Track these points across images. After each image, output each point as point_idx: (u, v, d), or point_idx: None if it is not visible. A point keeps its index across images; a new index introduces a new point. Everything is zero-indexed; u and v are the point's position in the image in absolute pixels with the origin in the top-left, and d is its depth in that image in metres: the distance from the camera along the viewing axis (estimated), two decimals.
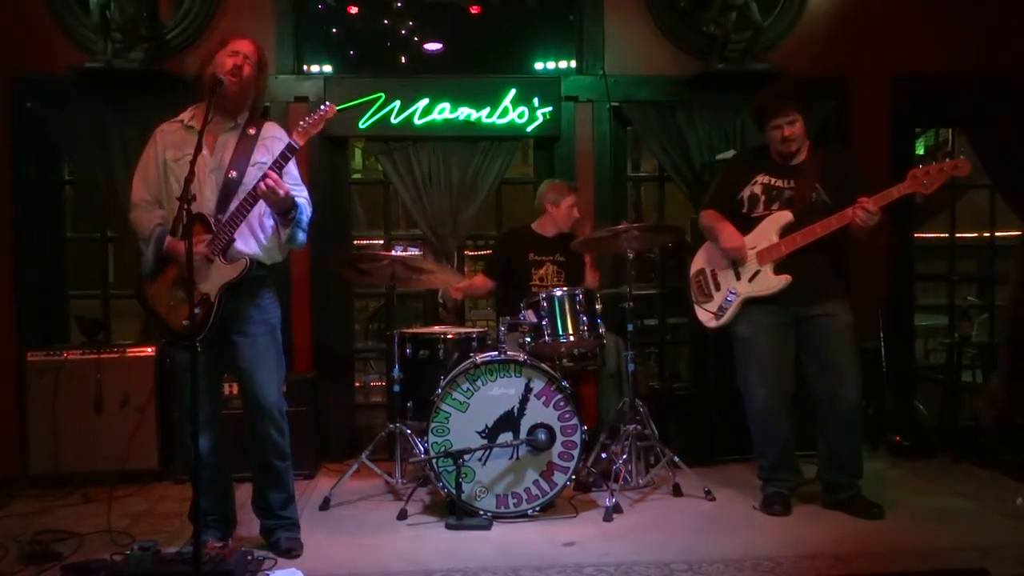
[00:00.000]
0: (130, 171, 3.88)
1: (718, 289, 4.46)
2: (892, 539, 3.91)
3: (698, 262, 4.60)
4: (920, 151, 7.90)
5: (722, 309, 4.41)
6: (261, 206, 3.67)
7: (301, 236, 3.82)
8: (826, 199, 4.25)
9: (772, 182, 4.35)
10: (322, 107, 3.72)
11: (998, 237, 6.32)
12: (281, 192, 3.57)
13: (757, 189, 4.37)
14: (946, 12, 5.86)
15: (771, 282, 4.28)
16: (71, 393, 5.05)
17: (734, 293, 4.38)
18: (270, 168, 3.58)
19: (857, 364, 4.32)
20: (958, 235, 6.32)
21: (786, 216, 4.26)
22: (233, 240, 3.63)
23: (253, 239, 3.73)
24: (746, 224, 4.36)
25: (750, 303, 4.35)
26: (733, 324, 4.42)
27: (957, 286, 6.37)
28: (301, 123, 3.70)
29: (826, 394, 4.30)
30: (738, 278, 4.38)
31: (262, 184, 3.53)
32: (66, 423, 5.02)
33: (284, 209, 3.67)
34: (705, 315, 4.50)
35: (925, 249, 6.49)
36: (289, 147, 3.63)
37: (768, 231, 4.29)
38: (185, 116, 3.79)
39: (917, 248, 6.16)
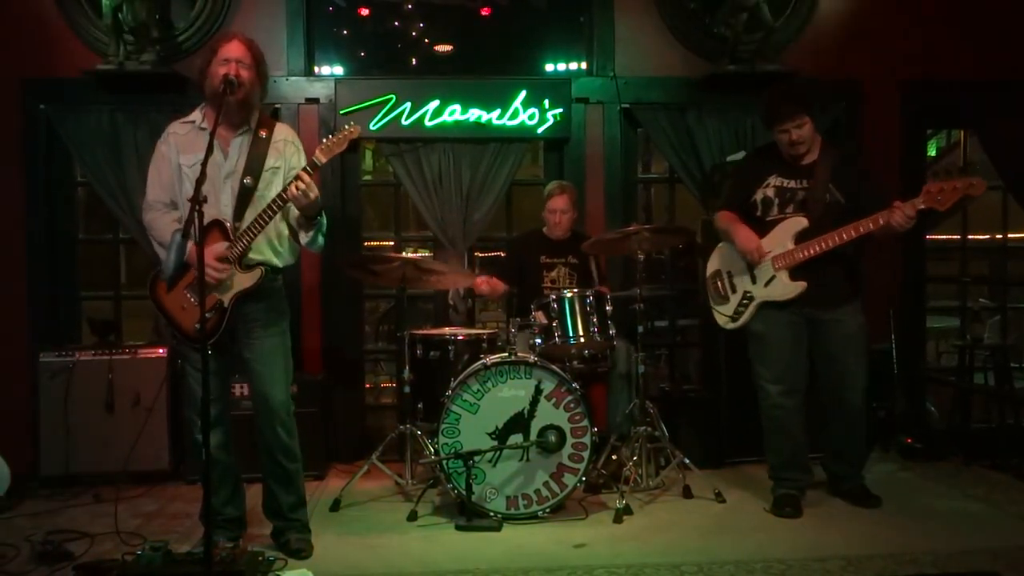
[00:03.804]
0: (142, 172, 3.89)
1: (734, 291, 4.47)
2: (903, 542, 3.90)
3: (714, 263, 4.60)
4: (932, 153, 7.87)
5: (738, 312, 4.41)
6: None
7: (321, 240, 3.82)
8: (840, 199, 4.25)
9: (785, 184, 4.35)
10: (347, 127, 3.71)
11: (1010, 239, 6.30)
12: (312, 195, 3.56)
13: (770, 192, 4.36)
14: (956, 14, 5.84)
15: (787, 288, 4.28)
16: (83, 393, 5.07)
17: (750, 297, 4.37)
18: (291, 184, 3.56)
19: (865, 369, 4.37)
20: (970, 237, 6.30)
21: (801, 222, 4.25)
22: (250, 248, 3.64)
23: (267, 246, 3.74)
24: (761, 227, 4.36)
25: (765, 303, 4.35)
26: (748, 321, 4.43)
27: (969, 288, 6.35)
28: (324, 141, 3.68)
29: (833, 396, 4.39)
30: (754, 281, 4.38)
31: (293, 187, 3.52)
32: (77, 423, 5.04)
33: (312, 213, 3.67)
34: (721, 318, 4.52)
35: (937, 251, 6.47)
36: (311, 164, 3.61)
37: (783, 236, 4.29)
38: (196, 117, 3.78)
39: (929, 250, 6.14)
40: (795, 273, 4.27)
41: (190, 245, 3.55)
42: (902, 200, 4.05)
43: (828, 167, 4.29)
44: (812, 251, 4.20)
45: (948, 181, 4.01)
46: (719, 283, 4.55)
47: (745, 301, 4.40)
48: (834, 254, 4.21)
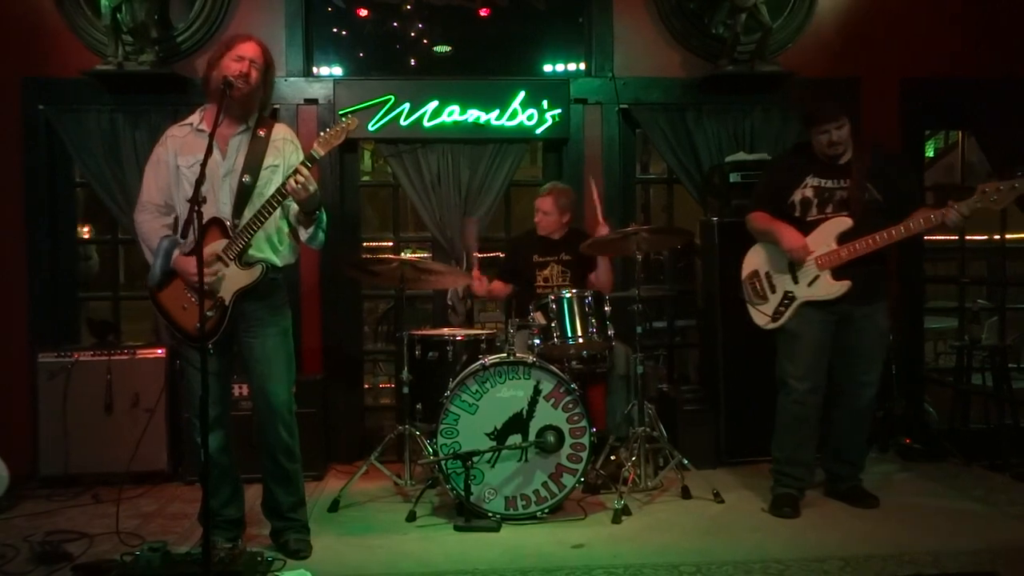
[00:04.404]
0: (142, 173, 3.88)
1: (773, 291, 4.44)
2: (902, 542, 3.90)
3: (751, 264, 4.56)
4: (930, 153, 7.87)
5: (778, 312, 4.40)
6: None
7: (322, 236, 3.84)
8: (877, 197, 4.26)
9: (823, 183, 4.34)
10: (344, 120, 3.72)
11: (1008, 240, 6.30)
12: (312, 188, 3.57)
13: (808, 192, 4.35)
14: (956, 14, 5.85)
15: (831, 288, 4.27)
16: (81, 394, 5.07)
17: (791, 296, 4.37)
18: (289, 178, 3.57)
19: (881, 366, 4.45)
20: (968, 238, 6.29)
21: (846, 222, 4.24)
22: (249, 245, 3.64)
23: (267, 243, 3.74)
24: (800, 228, 4.34)
25: (804, 302, 4.35)
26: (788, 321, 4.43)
27: (967, 288, 6.35)
28: (322, 134, 3.70)
29: (847, 389, 4.42)
30: (795, 282, 4.37)
31: (292, 181, 3.52)
32: (76, 424, 5.04)
33: (311, 207, 3.68)
34: (762, 318, 4.48)
35: (935, 251, 6.47)
36: (309, 157, 3.62)
37: (826, 236, 4.28)
38: (195, 119, 3.79)
39: (927, 250, 6.14)
40: (836, 272, 4.27)
41: (176, 253, 3.60)
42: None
43: (865, 166, 4.29)
44: (859, 250, 4.20)
45: (1005, 181, 3.99)
46: (757, 283, 4.51)
47: (786, 301, 4.38)
48: (873, 251, 4.22)
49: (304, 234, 3.79)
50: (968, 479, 4.96)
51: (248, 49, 3.69)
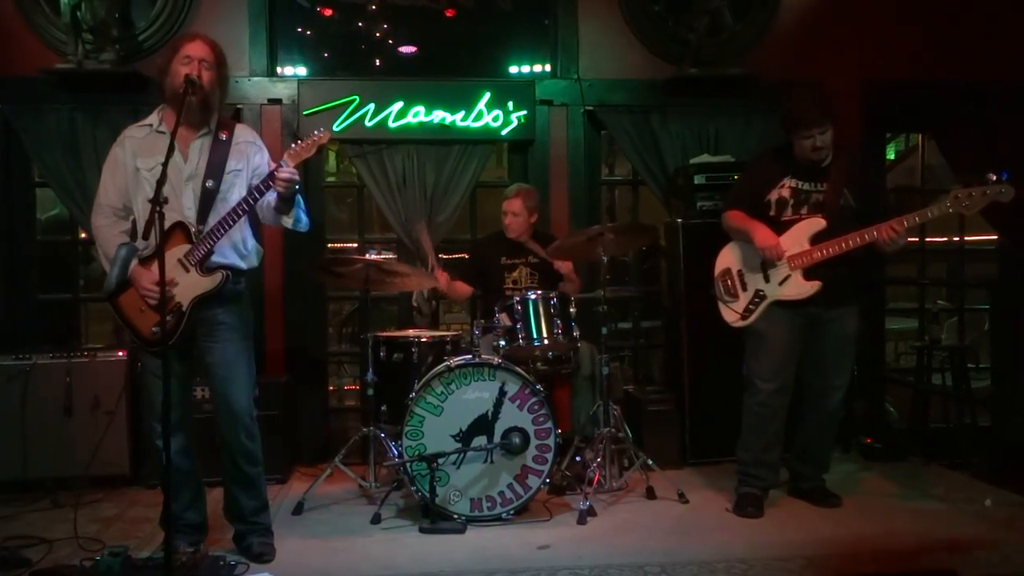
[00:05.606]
0: (101, 173, 3.82)
1: (744, 289, 4.46)
2: (863, 541, 3.94)
3: (723, 261, 4.57)
4: (890, 156, 7.95)
5: (748, 310, 4.42)
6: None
7: (305, 217, 3.81)
8: (851, 203, 4.30)
9: (800, 185, 4.36)
10: (316, 132, 3.69)
11: (967, 241, 6.38)
12: (298, 177, 3.57)
13: (785, 192, 4.37)
14: (917, 17, 5.92)
15: (802, 288, 4.29)
16: (40, 397, 4.97)
17: (762, 295, 4.39)
18: (256, 189, 3.57)
19: (850, 370, 4.51)
20: (928, 239, 6.37)
21: (819, 223, 4.27)
22: (212, 251, 3.60)
23: (232, 249, 3.71)
24: (774, 227, 4.35)
25: (774, 302, 4.37)
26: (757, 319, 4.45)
27: (927, 290, 6.43)
28: (293, 146, 3.66)
29: (816, 391, 4.46)
30: (767, 280, 4.38)
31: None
32: (35, 427, 4.94)
33: (291, 194, 3.64)
34: (731, 315, 4.48)
35: (896, 253, 6.54)
36: (279, 169, 3.58)
37: (800, 236, 4.30)
38: (153, 120, 3.73)
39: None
40: (807, 273, 4.30)
41: (134, 263, 3.56)
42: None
43: (843, 171, 4.31)
44: (831, 251, 4.22)
45: (977, 187, 4.01)
46: (729, 281, 4.52)
47: (756, 299, 4.40)
48: (845, 254, 4.25)
49: (288, 220, 3.74)
50: (928, 478, 5.03)
51: (196, 49, 3.61)
